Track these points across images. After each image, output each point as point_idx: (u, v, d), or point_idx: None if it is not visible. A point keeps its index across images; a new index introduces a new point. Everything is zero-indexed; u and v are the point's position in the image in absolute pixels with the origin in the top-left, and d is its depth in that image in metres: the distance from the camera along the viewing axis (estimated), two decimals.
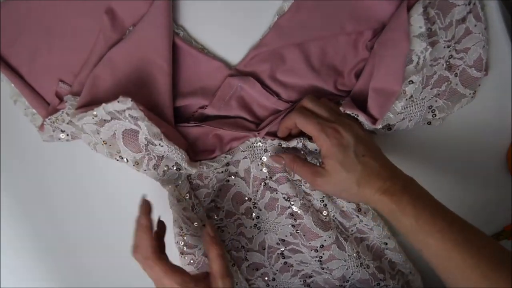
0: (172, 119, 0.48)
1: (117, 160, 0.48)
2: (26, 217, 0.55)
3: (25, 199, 0.54)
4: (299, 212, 0.52)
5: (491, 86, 0.52)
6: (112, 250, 0.56)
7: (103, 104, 0.43)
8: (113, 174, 0.54)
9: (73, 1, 0.49)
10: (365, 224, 0.53)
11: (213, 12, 0.52)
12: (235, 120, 0.50)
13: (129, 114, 0.42)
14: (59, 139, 0.50)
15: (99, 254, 0.56)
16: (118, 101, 0.42)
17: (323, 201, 0.51)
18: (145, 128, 0.43)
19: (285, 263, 0.54)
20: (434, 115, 0.51)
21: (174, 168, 0.47)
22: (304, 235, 0.53)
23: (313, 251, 0.53)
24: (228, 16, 0.52)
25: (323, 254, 0.53)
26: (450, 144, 0.54)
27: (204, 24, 0.52)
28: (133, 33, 0.49)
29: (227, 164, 0.51)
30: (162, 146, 0.44)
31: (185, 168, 0.46)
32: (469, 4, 0.48)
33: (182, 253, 0.53)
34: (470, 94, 0.51)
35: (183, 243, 0.53)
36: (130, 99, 0.42)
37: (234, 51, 0.52)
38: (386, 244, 0.54)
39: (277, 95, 0.50)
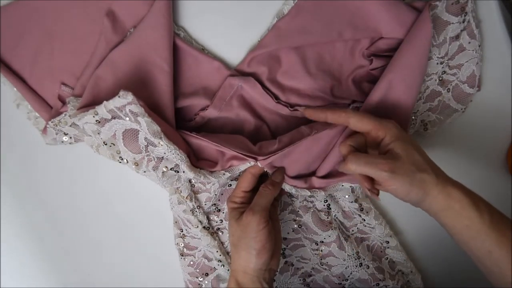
0: (173, 120, 0.49)
1: (119, 162, 0.48)
2: (26, 217, 0.55)
3: (26, 200, 0.55)
4: (299, 212, 0.53)
5: (491, 86, 0.52)
6: (112, 250, 0.56)
7: (104, 102, 0.43)
8: (114, 175, 0.54)
9: (74, 5, 0.50)
10: (367, 223, 0.53)
11: (213, 12, 0.52)
12: (238, 138, 0.50)
13: (129, 109, 0.43)
14: (62, 142, 0.51)
15: (99, 255, 0.56)
16: (118, 96, 0.42)
17: (326, 201, 0.52)
18: (144, 125, 0.43)
19: (286, 262, 0.55)
20: (425, 129, 0.52)
21: (173, 170, 0.47)
22: (306, 229, 0.53)
23: (314, 243, 0.53)
24: (228, 17, 0.52)
25: (323, 248, 0.53)
26: (450, 144, 0.54)
27: (204, 25, 0.52)
28: (133, 34, 0.49)
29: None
30: (161, 145, 0.44)
31: (183, 171, 0.46)
32: (463, 22, 0.48)
33: (182, 254, 0.53)
34: (461, 109, 0.52)
35: (183, 244, 0.53)
36: (130, 93, 0.42)
37: (234, 52, 0.52)
38: (388, 242, 0.54)
39: (276, 97, 0.51)
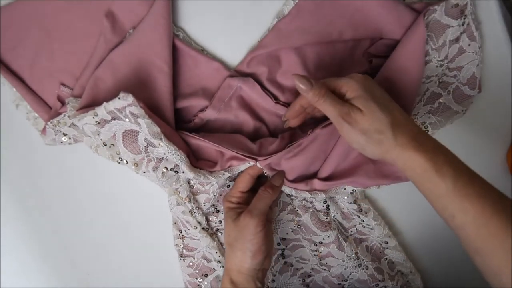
0: (173, 121, 0.49)
1: (118, 162, 0.48)
2: (26, 217, 0.55)
3: (25, 200, 0.55)
4: (298, 211, 0.53)
5: (491, 86, 0.52)
6: (112, 250, 0.56)
7: (104, 103, 0.43)
8: (113, 176, 0.54)
9: (73, 5, 0.50)
10: (366, 224, 0.53)
11: (213, 13, 0.52)
12: (237, 137, 0.50)
13: (129, 111, 0.43)
14: (61, 142, 0.51)
15: (99, 255, 0.56)
16: (119, 98, 0.42)
17: (325, 202, 0.52)
18: (144, 126, 0.43)
19: (285, 263, 0.55)
20: (426, 131, 0.52)
21: (173, 171, 0.47)
22: (305, 229, 0.53)
23: (313, 244, 0.53)
24: (228, 18, 0.52)
25: (322, 249, 0.53)
26: (450, 144, 0.54)
27: (204, 26, 0.52)
28: (133, 35, 0.49)
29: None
30: (161, 146, 0.44)
31: (183, 172, 0.46)
32: (462, 24, 0.48)
33: (181, 255, 0.53)
34: (462, 111, 0.51)
35: (182, 245, 0.53)
36: (131, 95, 0.42)
37: (234, 53, 0.52)
38: (387, 243, 0.54)
39: (275, 98, 0.51)
